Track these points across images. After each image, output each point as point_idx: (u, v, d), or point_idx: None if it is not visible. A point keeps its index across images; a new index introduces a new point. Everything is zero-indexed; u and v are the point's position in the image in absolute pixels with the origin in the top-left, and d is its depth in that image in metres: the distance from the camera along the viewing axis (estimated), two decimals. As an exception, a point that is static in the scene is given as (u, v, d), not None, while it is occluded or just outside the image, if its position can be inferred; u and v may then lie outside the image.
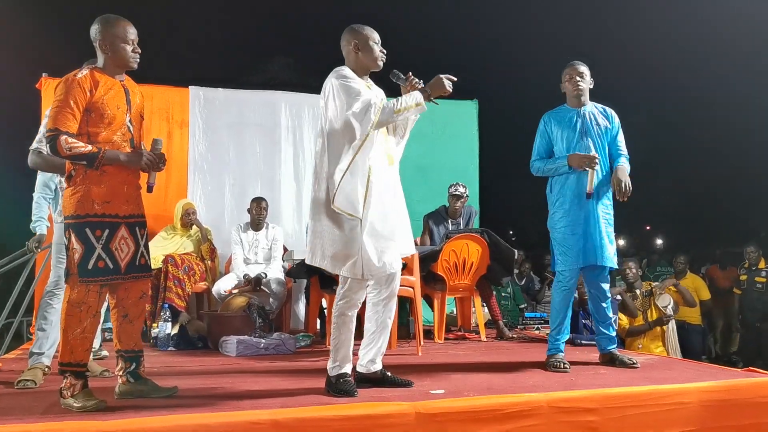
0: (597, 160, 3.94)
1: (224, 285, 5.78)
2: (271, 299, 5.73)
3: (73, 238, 3.01)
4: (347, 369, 3.31)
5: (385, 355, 4.67)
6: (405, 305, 5.65)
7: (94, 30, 3.16)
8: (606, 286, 4.13)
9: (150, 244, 6.03)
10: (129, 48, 3.18)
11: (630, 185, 3.95)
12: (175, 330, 5.29)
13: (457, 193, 6.16)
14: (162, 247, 6.00)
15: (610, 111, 4.21)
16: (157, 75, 6.66)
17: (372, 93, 3.27)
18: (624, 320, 6.22)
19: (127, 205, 3.13)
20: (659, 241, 23.19)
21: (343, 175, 3.15)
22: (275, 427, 2.69)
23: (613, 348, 4.13)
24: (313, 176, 3.34)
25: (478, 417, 2.92)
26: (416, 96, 3.20)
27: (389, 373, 3.46)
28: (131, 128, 3.17)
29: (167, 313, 5.32)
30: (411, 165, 7.37)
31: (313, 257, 3.30)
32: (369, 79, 3.44)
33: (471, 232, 5.69)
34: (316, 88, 3.61)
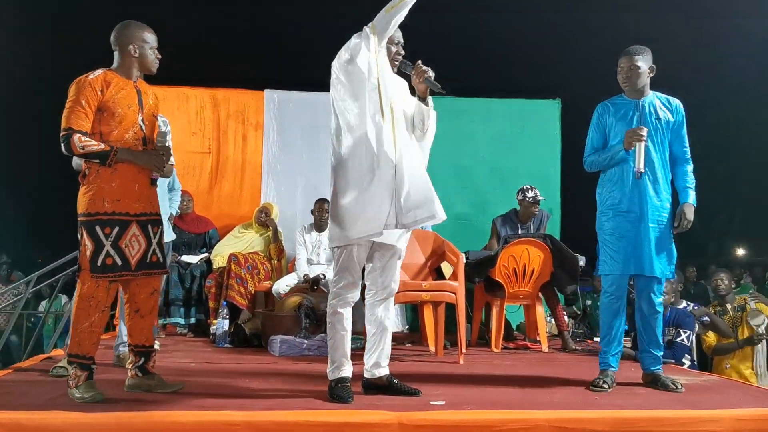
0: (643, 133, 3.58)
1: (283, 284, 5.83)
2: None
3: (84, 236, 3.11)
4: (346, 373, 3.22)
5: (425, 362, 4.59)
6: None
7: (118, 33, 3.27)
8: (658, 300, 3.74)
9: (221, 242, 6.28)
10: (151, 53, 3.31)
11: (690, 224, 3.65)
12: (231, 328, 5.40)
13: (533, 198, 5.84)
14: (231, 245, 6.16)
15: (675, 102, 3.82)
16: (233, 77, 6.84)
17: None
18: (711, 338, 5.68)
19: (138, 204, 3.20)
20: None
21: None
22: (249, 429, 2.65)
23: (658, 369, 3.74)
24: None
25: (467, 432, 2.74)
26: None
27: (396, 380, 3.33)
28: (143, 127, 3.25)
29: (225, 310, 5.44)
30: (487, 167, 7.21)
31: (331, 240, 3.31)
32: (390, 73, 3.33)
33: (531, 236, 5.39)
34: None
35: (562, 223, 7.08)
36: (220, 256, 6.06)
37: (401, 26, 3.31)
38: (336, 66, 3.18)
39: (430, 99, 3.26)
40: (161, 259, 3.31)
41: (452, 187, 7.17)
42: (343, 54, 3.15)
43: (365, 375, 3.34)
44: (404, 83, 3.39)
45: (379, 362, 3.31)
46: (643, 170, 3.60)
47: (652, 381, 3.67)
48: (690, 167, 3.79)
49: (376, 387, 3.31)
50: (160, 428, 2.62)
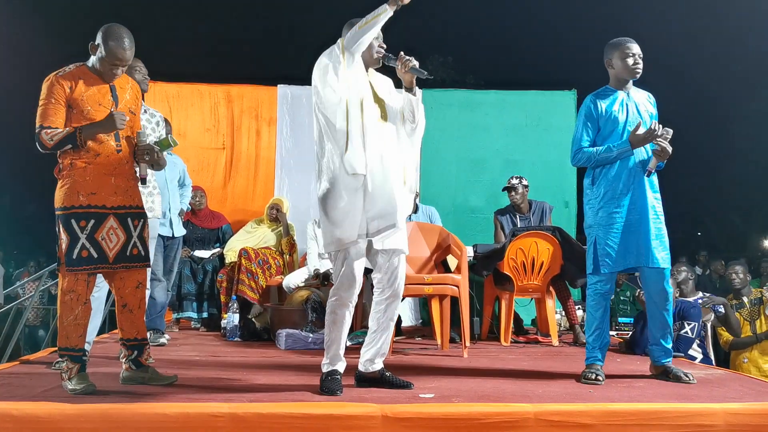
0: (665, 134, 3.54)
1: (294, 279, 5.85)
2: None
3: (60, 229, 3.14)
4: (339, 367, 3.23)
5: (429, 355, 4.58)
6: (472, 305, 5.40)
7: (99, 34, 3.21)
8: (670, 289, 3.67)
9: (234, 237, 6.33)
10: (109, 65, 3.20)
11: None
12: (241, 322, 5.44)
13: (508, 185, 5.84)
14: (243, 240, 6.21)
15: (651, 96, 3.81)
16: (247, 74, 6.89)
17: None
18: (728, 332, 5.56)
19: (115, 197, 3.20)
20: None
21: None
22: (233, 421, 2.67)
23: (668, 361, 3.67)
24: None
25: (451, 425, 2.73)
26: (381, 7, 3.02)
27: (388, 373, 3.33)
28: None
29: (235, 305, 5.49)
30: (500, 159, 7.16)
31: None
32: (374, 72, 3.33)
33: (540, 229, 5.32)
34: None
35: (578, 216, 6.99)
36: (232, 251, 6.10)
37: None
38: (315, 76, 3.18)
39: (417, 89, 3.25)
40: (143, 252, 3.31)
41: (466, 179, 7.17)
42: (316, 72, 3.16)
43: (359, 368, 3.35)
44: (388, 80, 3.38)
45: (373, 359, 3.32)
46: (652, 170, 3.62)
47: (663, 373, 3.61)
48: None
49: (368, 380, 3.31)
50: (145, 420, 2.65)
